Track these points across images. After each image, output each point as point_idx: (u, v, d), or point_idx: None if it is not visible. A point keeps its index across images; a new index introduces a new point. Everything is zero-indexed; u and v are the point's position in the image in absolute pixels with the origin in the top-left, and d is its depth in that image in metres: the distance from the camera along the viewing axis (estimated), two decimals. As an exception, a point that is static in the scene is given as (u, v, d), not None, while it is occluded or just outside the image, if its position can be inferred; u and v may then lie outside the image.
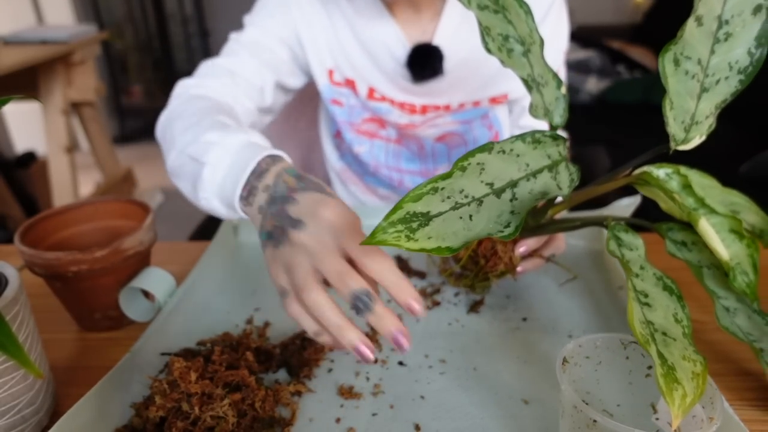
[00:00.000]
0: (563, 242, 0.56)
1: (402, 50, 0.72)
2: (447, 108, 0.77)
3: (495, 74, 0.75)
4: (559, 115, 0.44)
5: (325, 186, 0.44)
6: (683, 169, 0.44)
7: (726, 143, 1.82)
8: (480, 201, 0.36)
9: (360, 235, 0.38)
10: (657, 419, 0.37)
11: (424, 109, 0.77)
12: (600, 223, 0.46)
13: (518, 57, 0.42)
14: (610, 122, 2.06)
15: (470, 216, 0.35)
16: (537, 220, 0.50)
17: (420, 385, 0.46)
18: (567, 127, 0.86)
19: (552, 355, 0.49)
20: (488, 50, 0.41)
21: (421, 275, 0.62)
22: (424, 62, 0.71)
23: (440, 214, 0.34)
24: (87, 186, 2.51)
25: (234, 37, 0.73)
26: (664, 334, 0.36)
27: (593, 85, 2.43)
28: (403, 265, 0.63)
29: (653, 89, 2.20)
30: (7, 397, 0.37)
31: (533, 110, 0.43)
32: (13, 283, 0.38)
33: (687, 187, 0.43)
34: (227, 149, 0.49)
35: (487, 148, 0.36)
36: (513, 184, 0.37)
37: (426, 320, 0.54)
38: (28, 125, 2.75)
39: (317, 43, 0.74)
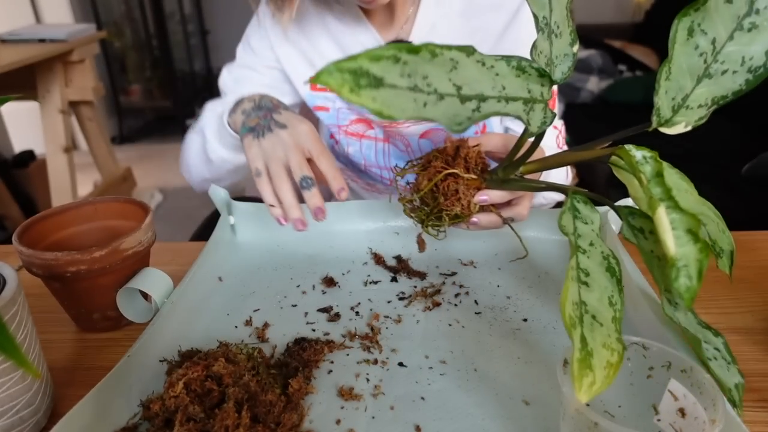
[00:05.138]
0: (526, 211, 0.55)
1: None
2: None
3: None
4: (562, 72, 0.41)
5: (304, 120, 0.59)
6: (663, 161, 0.42)
7: (729, 143, 1.82)
8: (441, 96, 0.34)
9: (319, 143, 0.55)
10: (659, 420, 0.37)
11: None
12: (563, 190, 0.44)
13: None
14: (611, 121, 2.06)
15: (425, 103, 0.33)
16: (507, 173, 0.48)
17: (420, 386, 0.45)
18: (568, 126, 0.86)
19: (553, 356, 0.49)
20: None
21: (421, 275, 0.61)
22: None
23: (394, 87, 0.32)
24: (85, 186, 2.50)
25: (226, 73, 0.81)
26: (594, 317, 0.35)
27: (594, 84, 2.43)
28: (403, 265, 0.63)
29: (654, 89, 2.20)
30: (5, 398, 0.37)
31: (535, 53, 0.40)
32: (11, 284, 0.38)
33: (659, 176, 0.40)
34: (218, 105, 0.74)
35: (466, 50, 0.34)
36: (481, 98, 0.35)
37: (426, 321, 0.54)
38: (27, 125, 2.74)
39: (293, 58, 0.78)
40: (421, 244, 0.58)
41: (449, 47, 0.34)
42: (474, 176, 0.51)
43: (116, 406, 0.42)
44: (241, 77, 0.81)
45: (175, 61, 3.44)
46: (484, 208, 0.52)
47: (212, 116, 0.71)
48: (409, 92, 0.33)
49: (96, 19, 3.21)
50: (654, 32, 2.67)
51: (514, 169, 0.47)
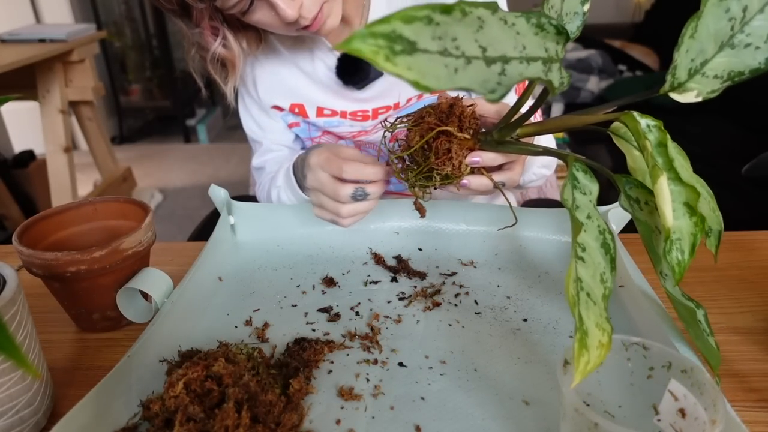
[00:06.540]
0: (518, 176, 0.54)
1: (335, 62, 0.75)
2: (396, 106, 0.79)
3: None
4: (571, 31, 0.40)
5: (318, 145, 0.61)
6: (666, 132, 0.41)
7: (729, 143, 1.82)
8: (469, 60, 0.32)
9: (329, 159, 0.55)
10: (659, 420, 0.37)
11: (375, 113, 0.79)
12: (562, 156, 0.44)
13: None
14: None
15: (455, 69, 0.31)
16: (503, 135, 0.47)
17: (420, 387, 0.45)
18: (568, 126, 0.85)
19: (553, 356, 0.49)
20: None
21: (421, 275, 0.61)
22: (352, 66, 0.74)
23: (427, 51, 0.30)
24: (85, 186, 2.51)
25: (249, 121, 0.85)
26: (588, 294, 0.35)
27: (594, 84, 2.43)
28: (403, 265, 0.63)
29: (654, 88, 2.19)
30: (5, 398, 0.37)
31: (546, 7, 0.40)
32: (11, 284, 0.38)
33: (662, 145, 0.40)
34: (282, 174, 0.75)
35: (491, 6, 0.33)
36: (505, 60, 0.34)
37: (426, 321, 0.54)
38: (27, 125, 2.74)
39: (259, 90, 0.81)
40: (421, 210, 0.56)
41: (476, 4, 0.32)
42: (467, 136, 0.49)
43: (116, 406, 0.42)
44: (261, 120, 0.84)
45: (175, 61, 3.44)
46: (474, 171, 0.51)
47: (285, 182, 0.74)
48: (440, 58, 0.31)
49: (96, 19, 3.21)
50: (654, 32, 2.67)
51: (510, 131, 0.46)
